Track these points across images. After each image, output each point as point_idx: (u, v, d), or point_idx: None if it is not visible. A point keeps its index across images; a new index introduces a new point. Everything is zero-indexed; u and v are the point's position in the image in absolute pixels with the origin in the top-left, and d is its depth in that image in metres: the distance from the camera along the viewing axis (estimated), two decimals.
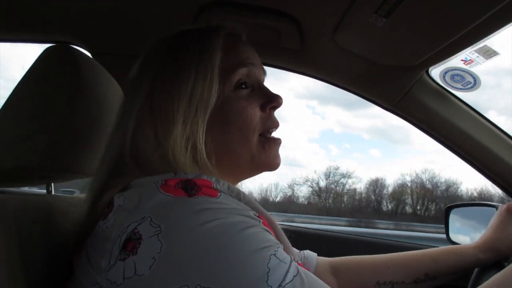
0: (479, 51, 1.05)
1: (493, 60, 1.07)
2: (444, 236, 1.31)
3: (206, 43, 0.70)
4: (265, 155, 0.73)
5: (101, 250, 0.56)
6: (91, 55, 1.29)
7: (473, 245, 0.93)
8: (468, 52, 1.06)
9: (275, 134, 0.77)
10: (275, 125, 0.75)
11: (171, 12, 1.12)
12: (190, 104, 0.66)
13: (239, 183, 0.79)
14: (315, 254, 0.98)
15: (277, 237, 0.61)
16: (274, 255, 0.53)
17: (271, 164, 0.75)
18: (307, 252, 0.98)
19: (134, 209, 0.55)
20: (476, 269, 0.95)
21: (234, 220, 0.54)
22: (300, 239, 0.90)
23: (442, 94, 1.28)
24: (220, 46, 0.71)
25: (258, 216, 0.59)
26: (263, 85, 0.77)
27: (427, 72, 1.23)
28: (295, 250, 0.92)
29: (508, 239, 0.91)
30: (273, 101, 0.75)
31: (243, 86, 0.72)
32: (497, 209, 1.01)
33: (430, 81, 1.26)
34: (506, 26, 0.89)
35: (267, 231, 0.58)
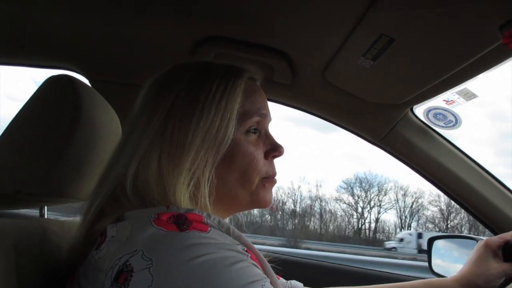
0: (460, 93, 1.11)
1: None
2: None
3: (231, 83, 0.71)
4: (263, 194, 0.75)
5: (93, 280, 0.56)
6: (89, 81, 1.32)
7: (452, 279, 0.96)
8: (450, 94, 1.12)
9: None
10: (274, 173, 0.77)
11: (169, 44, 1.15)
12: (204, 140, 0.66)
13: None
14: (301, 285, 1.00)
15: (264, 270, 0.62)
16: None
17: (267, 202, 0.76)
18: (294, 282, 0.99)
19: (126, 241, 0.56)
20: None
21: (223, 255, 0.55)
22: (287, 268, 0.91)
23: (425, 131, 1.34)
24: (242, 90, 0.72)
25: (246, 251, 0.60)
26: (269, 133, 0.79)
27: (411, 110, 1.30)
28: (282, 280, 0.94)
29: (485, 274, 0.93)
30: (277, 150, 0.77)
31: (253, 132, 0.74)
32: (477, 241, 1.03)
33: (415, 118, 1.33)
34: (483, 73, 0.96)
35: (255, 265, 0.59)
